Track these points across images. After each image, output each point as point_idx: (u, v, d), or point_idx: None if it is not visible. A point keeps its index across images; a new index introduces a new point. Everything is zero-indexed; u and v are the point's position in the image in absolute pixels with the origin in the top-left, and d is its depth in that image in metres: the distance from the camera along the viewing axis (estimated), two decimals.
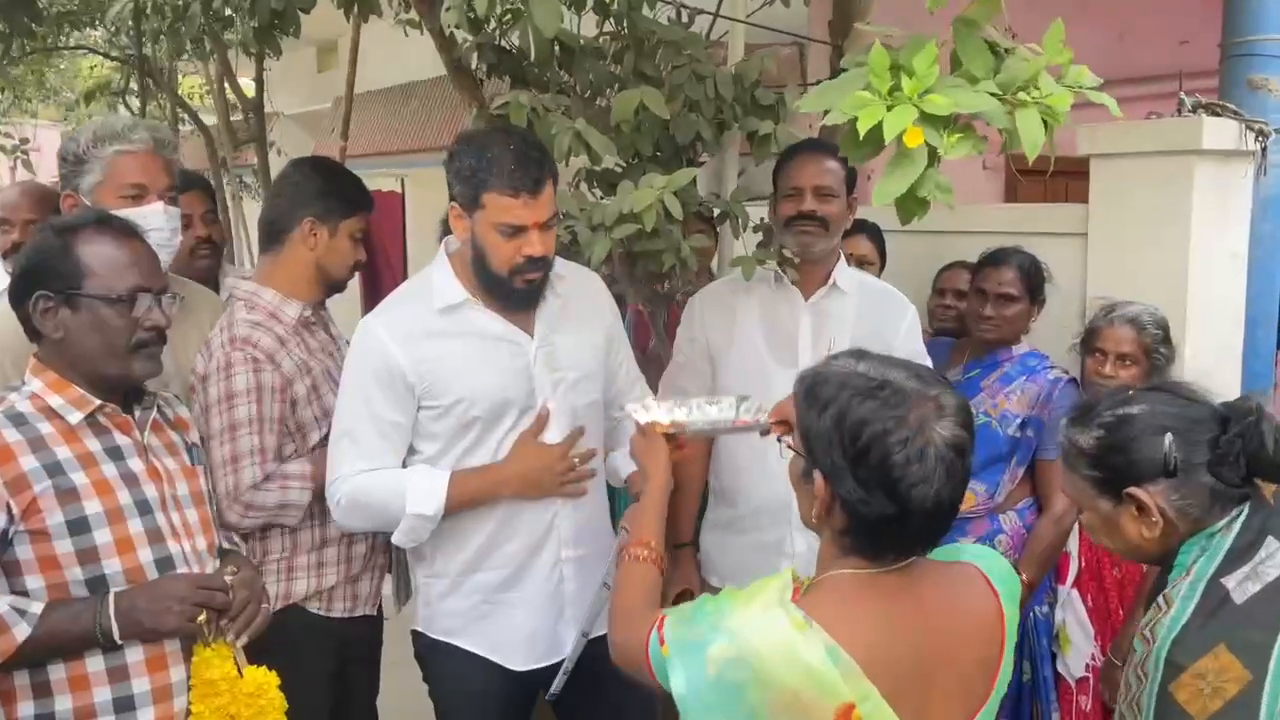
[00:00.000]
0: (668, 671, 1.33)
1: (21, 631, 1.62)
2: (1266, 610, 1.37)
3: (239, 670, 1.75)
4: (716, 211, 2.77)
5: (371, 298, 5.57)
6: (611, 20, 2.70)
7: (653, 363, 2.76)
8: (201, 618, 1.72)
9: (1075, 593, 2.60)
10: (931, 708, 1.30)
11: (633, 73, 2.61)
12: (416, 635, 2.22)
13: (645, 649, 1.38)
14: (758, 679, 1.23)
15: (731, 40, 3.00)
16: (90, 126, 2.21)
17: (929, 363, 2.64)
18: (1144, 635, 1.43)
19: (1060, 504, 2.60)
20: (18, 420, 1.69)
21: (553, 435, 2.10)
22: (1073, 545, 2.64)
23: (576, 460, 2.08)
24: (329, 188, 2.28)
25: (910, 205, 1.73)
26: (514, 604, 2.14)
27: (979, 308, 2.73)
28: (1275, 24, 2.95)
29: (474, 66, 2.79)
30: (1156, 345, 2.52)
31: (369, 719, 2.52)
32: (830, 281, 2.49)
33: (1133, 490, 1.46)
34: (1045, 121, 1.67)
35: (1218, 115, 2.73)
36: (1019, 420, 2.66)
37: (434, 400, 2.05)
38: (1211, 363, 2.81)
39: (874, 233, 3.32)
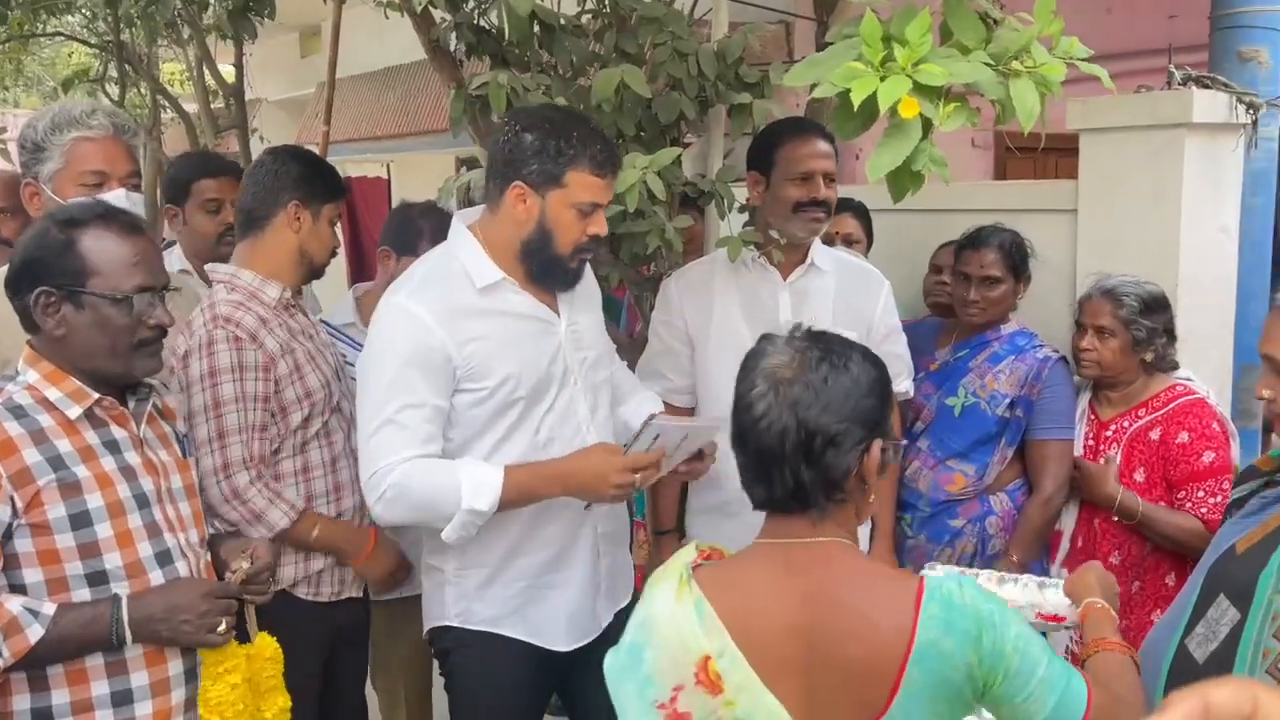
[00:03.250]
0: None
1: (35, 633, 1.59)
2: None
3: (250, 636, 1.82)
4: (702, 191, 2.73)
5: (358, 276, 5.53)
6: None
7: (641, 348, 2.72)
8: (221, 628, 1.73)
9: (1066, 572, 2.58)
10: (819, 692, 1.28)
11: (614, 51, 2.57)
12: (442, 632, 2.14)
13: None
14: (650, 638, 1.31)
15: (715, 17, 2.94)
16: (48, 112, 2.18)
17: (904, 338, 2.62)
18: None
19: (1050, 485, 2.58)
20: (18, 413, 1.66)
21: (582, 412, 2.11)
22: (1066, 524, 2.62)
23: (637, 478, 2.00)
24: (311, 173, 2.28)
25: (904, 180, 1.69)
26: (558, 585, 2.12)
27: (963, 291, 2.70)
28: None
29: (453, 47, 2.73)
30: (1135, 317, 2.47)
31: (359, 701, 2.51)
32: (809, 261, 2.47)
33: None
34: (1040, 93, 1.62)
35: (1207, 88, 2.69)
36: (1008, 400, 2.64)
37: (477, 382, 2.00)
38: (1204, 337, 2.79)
39: (860, 212, 3.30)
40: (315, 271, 2.34)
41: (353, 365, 2.48)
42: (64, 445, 1.67)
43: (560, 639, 2.14)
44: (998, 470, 2.67)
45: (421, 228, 2.54)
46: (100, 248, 1.69)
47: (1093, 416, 2.62)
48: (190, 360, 2.10)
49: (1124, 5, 4.88)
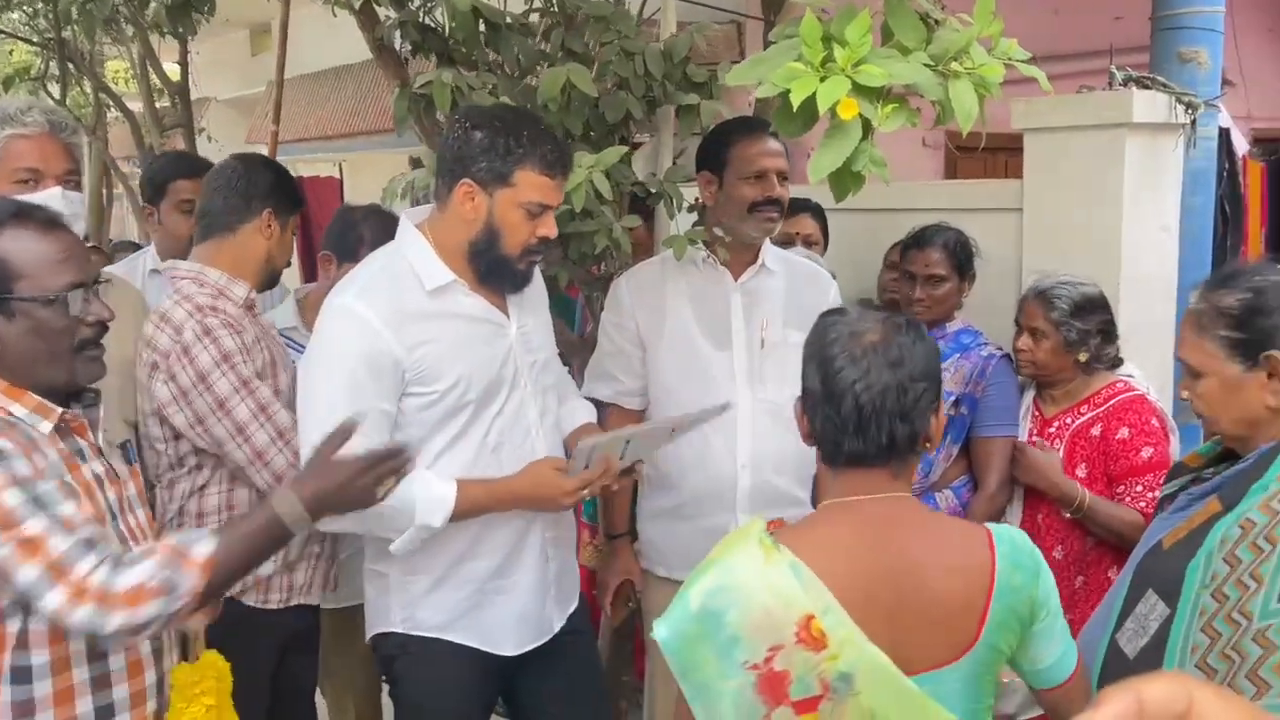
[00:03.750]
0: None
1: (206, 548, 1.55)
2: None
3: (195, 655, 1.78)
4: (652, 191, 2.72)
5: (311, 279, 5.46)
6: None
7: (593, 349, 2.71)
8: (389, 485, 1.69)
9: None
10: (902, 635, 1.35)
11: (561, 50, 2.55)
12: (385, 637, 2.11)
13: None
14: (735, 601, 1.33)
15: (664, 17, 2.94)
16: None
17: None
18: (1270, 508, 1.41)
19: (994, 482, 2.61)
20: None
21: (532, 415, 2.09)
22: (1012, 521, 2.64)
23: (585, 493, 2.02)
24: (282, 183, 2.32)
25: (845, 181, 1.70)
26: (507, 590, 2.10)
27: (908, 290, 2.72)
28: None
29: (398, 45, 2.70)
30: (1066, 319, 2.50)
31: (308, 708, 2.49)
32: (759, 262, 2.47)
33: (1274, 353, 1.48)
34: (978, 94, 1.64)
35: (1147, 88, 2.73)
36: (953, 398, 2.66)
37: (426, 386, 1.96)
38: (1145, 334, 2.83)
39: (818, 212, 3.32)
40: (274, 278, 2.37)
41: None
42: (51, 454, 1.60)
43: (508, 643, 2.12)
44: (943, 467, 2.68)
45: (363, 233, 2.52)
46: (21, 248, 1.59)
47: (1037, 413, 2.65)
48: (194, 353, 2.07)
49: (1070, 7, 4.95)
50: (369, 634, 2.16)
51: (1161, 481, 2.40)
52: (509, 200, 1.94)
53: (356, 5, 2.53)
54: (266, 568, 2.21)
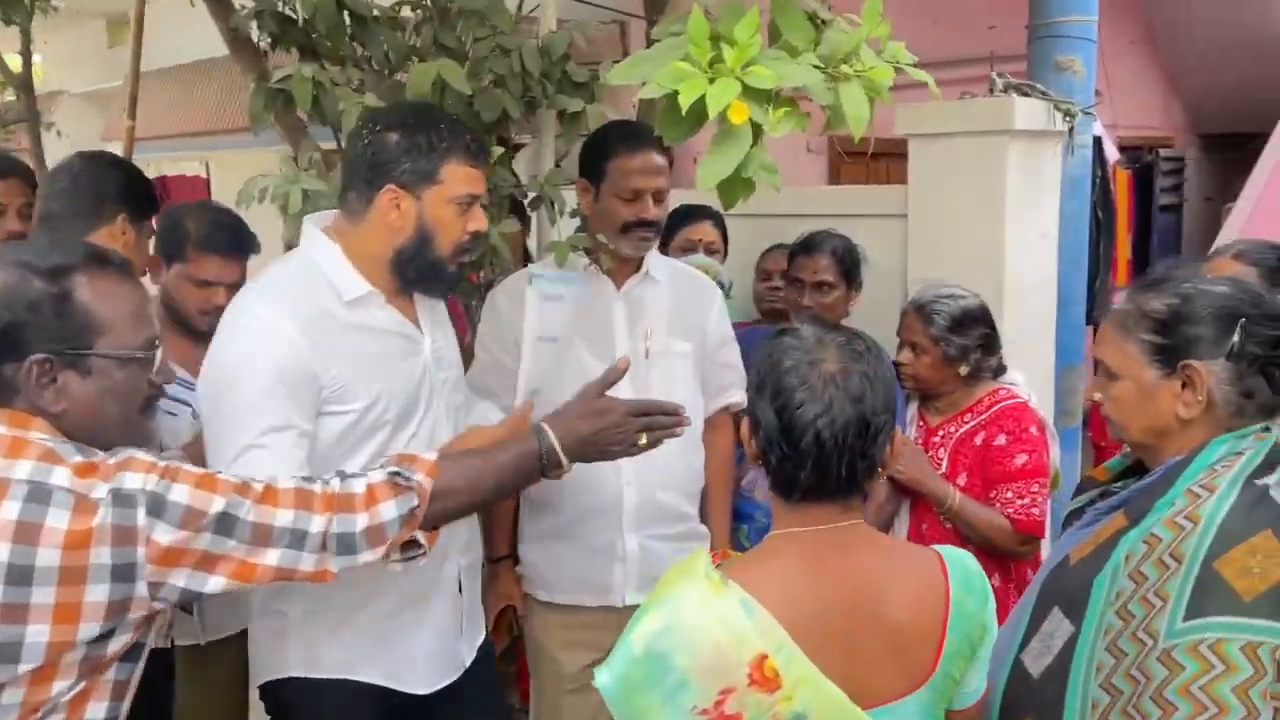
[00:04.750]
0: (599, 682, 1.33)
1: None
2: None
3: None
4: (531, 195, 2.60)
5: None
6: None
7: (470, 359, 2.57)
8: (643, 440, 1.76)
9: None
10: (858, 670, 1.31)
11: (432, 45, 2.41)
12: (281, 684, 1.92)
13: None
14: (683, 644, 1.27)
15: (543, 14, 2.82)
16: None
17: (737, 347, 2.56)
18: (1175, 524, 1.37)
19: (882, 491, 2.58)
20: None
21: (444, 437, 1.95)
22: (900, 531, 2.61)
23: None
24: (135, 184, 2.16)
25: (735, 187, 1.62)
26: (421, 623, 1.95)
27: (797, 297, 2.68)
28: (1079, 5, 3.01)
29: (256, 37, 2.51)
30: (944, 334, 2.48)
31: None
32: (644, 270, 2.37)
33: (1192, 363, 1.43)
34: (869, 98, 1.57)
35: (1027, 95, 2.75)
36: None
37: (344, 404, 1.80)
38: (1027, 339, 2.85)
39: (718, 219, 3.25)
40: None
41: None
42: None
43: (419, 681, 1.97)
44: None
45: (188, 230, 2.30)
46: (103, 298, 1.40)
47: (921, 423, 2.63)
48: None
49: (947, 15, 5.03)
50: (258, 680, 1.96)
51: (1032, 490, 2.44)
52: (438, 198, 1.82)
53: None
54: None
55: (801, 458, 1.33)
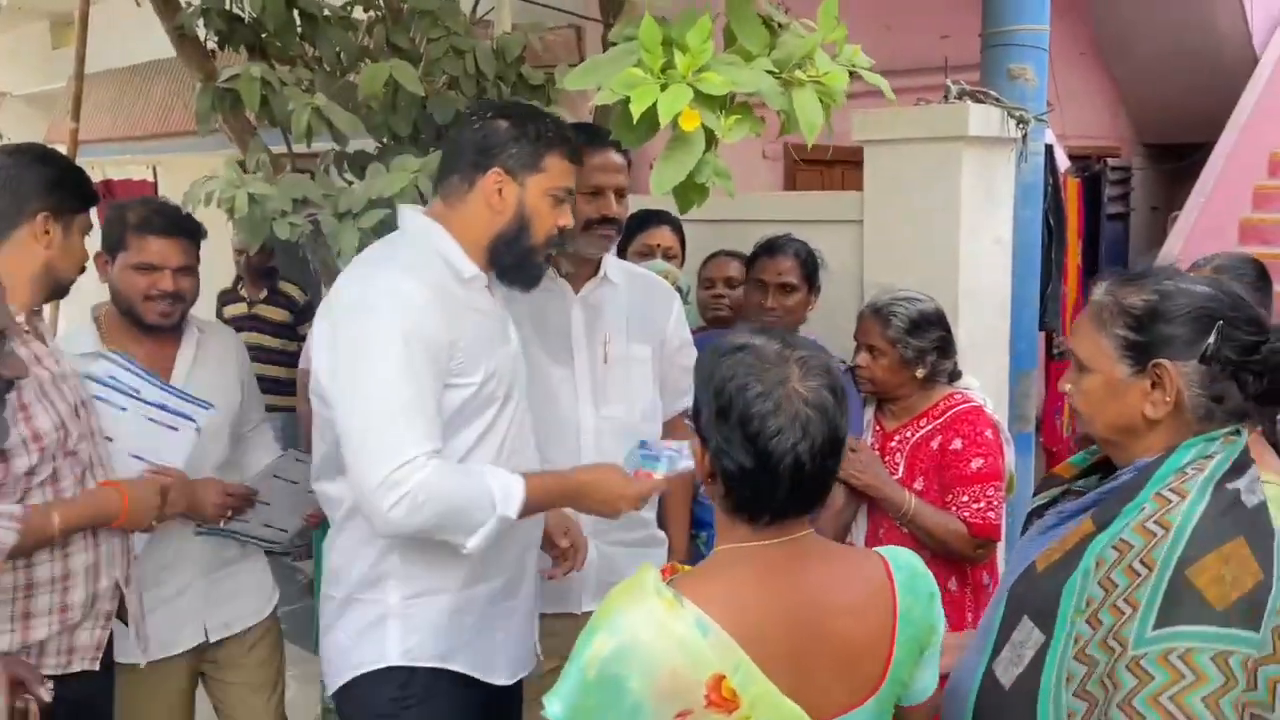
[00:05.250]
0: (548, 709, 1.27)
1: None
2: (1265, 520, 1.34)
3: None
4: None
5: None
6: None
7: None
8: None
9: None
10: (809, 684, 1.28)
11: (385, 46, 2.37)
12: (382, 675, 1.88)
13: None
14: (638, 667, 1.22)
15: (498, 15, 2.80)
16: None
17: (694, 351, 2.55)
18: (1145, 529, 1.34)
19: (840, 496, 2.57)
20: None
21: (529, 426, 2.04)
22: (857, 538, 2.61)
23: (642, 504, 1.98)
24: (61, 177, 2.02)
25: (689, 193, 1.61)
26: (508, 614, 1.98)
27: (760, 299, 2.66)
28: (1031, 14, 3.04)
29: (203, 36, 2.45)
30: (902, 337, 2.48)
31: None
32: (601, 274, 2.35)
33: (1163, 362, 1.39)
34: (824, 104, 1.56)
35: (981, 102, 2.77)
36: None
37: (466, 377, 1.85)
38: (981, 345, 2.87)
39: (675, 224, 3.23)
40: (60, 291, 2.07)
41: (103, 400, 2.17)
42: None
43: (502, 673, 1.99)
44: None
45: (127, 219, 2.24)
46: None
47: (878, 428, 2.63)
48: None
49: (901, 24, 5.06)
50: (345, 677, 1.91)
51: (988, 494, 2.43)
52: (539, 187, 1.88)
53: None
54: (39, 630, 1.92)
55: (777, 485, 1.27)
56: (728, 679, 1.22)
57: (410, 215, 1.93)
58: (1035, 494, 1.64)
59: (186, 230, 2.24)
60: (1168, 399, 1.39)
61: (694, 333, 3.01)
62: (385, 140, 2.38)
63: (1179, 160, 7.26)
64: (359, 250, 2.14)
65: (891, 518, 2.47)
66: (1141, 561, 1.31)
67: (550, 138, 1.88)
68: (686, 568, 1.41)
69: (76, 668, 2.00)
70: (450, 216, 1.90)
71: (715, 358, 1.33)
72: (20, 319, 1.93)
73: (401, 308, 1.77)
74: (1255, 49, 6.82)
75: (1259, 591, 1.27)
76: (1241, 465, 1.38)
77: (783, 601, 1.29)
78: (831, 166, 5.01)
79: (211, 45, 2.47)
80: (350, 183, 2.21)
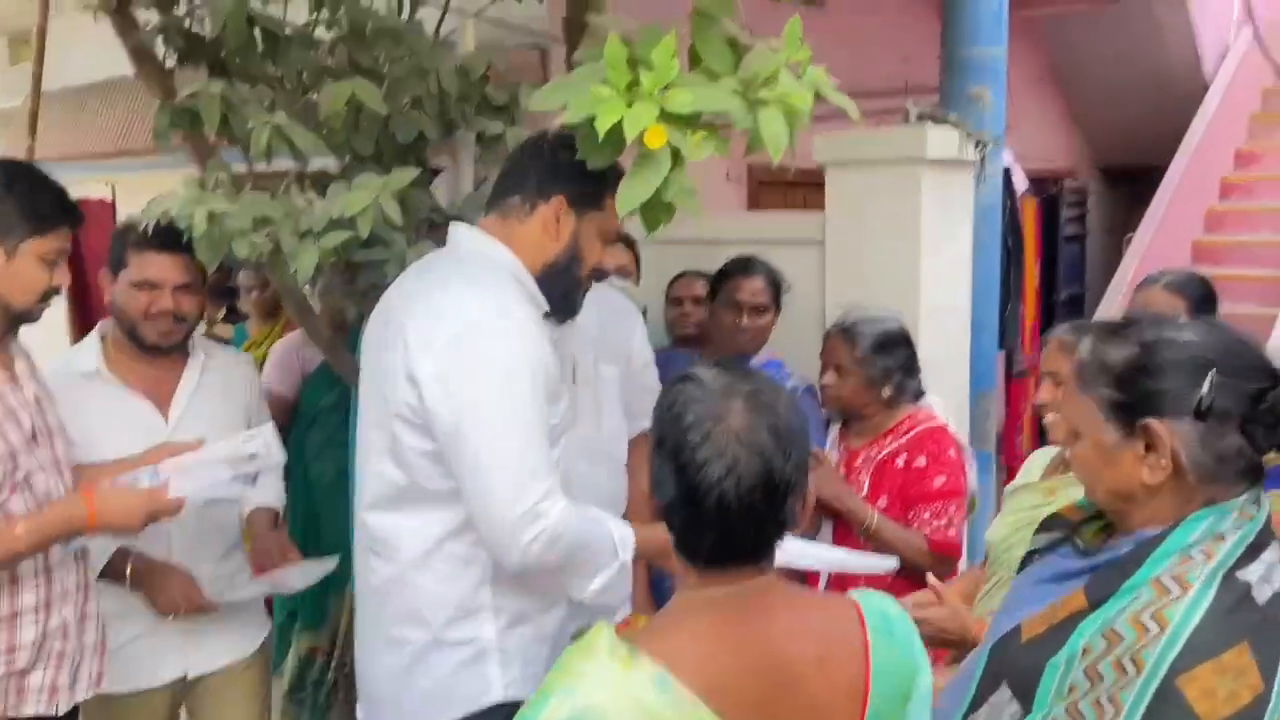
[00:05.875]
0: None
1: None
2: (1278, 615, 1.20)
3: None
4: (450, 218, 2.55)
5: (82, 319, 4.90)
6: (325, 8, 2.42)
7: None
8: None
9: None
10: None
11: (347, 65, 2.36)
12: (490, 713, 1.80)
13: None
14: None
15: (462, 37, 2.80)
16: None
17: (656, 370, 2.54)
18: (1139, 623, 1.21)
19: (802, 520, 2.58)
20: None
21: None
22: None
23: None
24: (7, 200, 1.87)
25: (655, 212, 1.61)
26: (559, 637, 1.90)
27: (734, 319, 2.68)
28: (989, 36, 3.09)
29: (161, 54, 2.42)
30: (869, 356, 2.51)
31: None
32: None
33: (1150, 423, 1.25)
34: (789, 123, 1.57)
35: (940, 124, 2.80)
36: None
37: (553, 405, 1.83)
38: (941, 365, 2.89)
39: (630, 243, 3.24)
40: (18, 319, 1.93)
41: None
42: None
43: None
44: None
45: (129, 236, 2.20)
46: None
47: (844, 446, 2.64)
48: None
49: (862, 47, 5.13)
50: (448, 717, 1.81)
51: (949, 510, 2.45)
52: (595, 225, 1.87)
53: (114, 4, 2.24)
54: None
55: (705, 522, 1.20)
56: None
57: (478, 237, 1.87)
58: (1037, 532, 1.51)
59: (188, 247, 2.13)
60: (1164, 463, 1.25)
61: (660, 351, 3.02)
62: (347, 160, 2.36)
63: (1133, 184, 7.40)
64: (317, 270, 2.10)
65: (855, 532, 2.49)
66: (1131, 659, 1.19)
67: (613, 180, 1.78)
68: (644, 619, 1.35)
69: (27, 710, 1.91)
70: (510, 238, 1.85)
71: (667, 386, 1.28)
72: None
73: (519, 332, 1.74)
74: (1205, 76, 6.98)
75: (1257, 707, 1.15)
76: (1258, 546, 1.23)
77: (746, 653, 1.20)
78: (794, 188, 5.05)
79: (171, 64, 2.45)
80: (311, 202, 2.19)
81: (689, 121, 1.46)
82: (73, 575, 1.97)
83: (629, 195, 1.54)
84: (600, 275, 1.95)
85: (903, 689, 1.26)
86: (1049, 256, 6.01)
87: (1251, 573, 1.21)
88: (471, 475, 1.71)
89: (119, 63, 2.68)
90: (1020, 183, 4.07)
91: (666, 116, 1.49)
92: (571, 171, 1.80)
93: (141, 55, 2.38)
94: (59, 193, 1.97)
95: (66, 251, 1.94)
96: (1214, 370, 1.24)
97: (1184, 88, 6.89)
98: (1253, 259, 6.01)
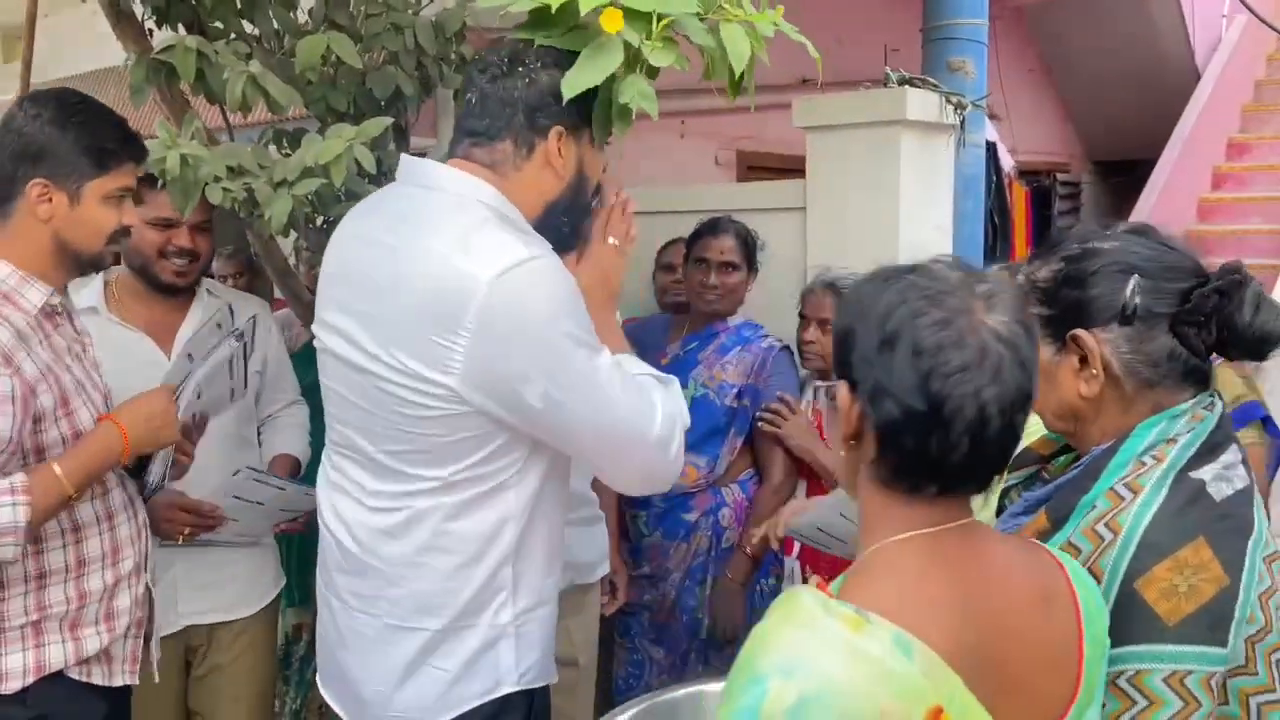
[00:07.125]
0: None
1: None
2: (1241, 513, 1.17)
3: None
4: None
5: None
6: None
7: None
8: None
9: (799, 564, 2.58)
10: (1018, 694, 1.02)
11: (324, 22, 2.36)
12: (503, 704, 1.60)
13: None
14: (838, 713, 0.91)
15: None
16: None
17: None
18: (1094, 533, 1.17)
19: (779, 474, 2.59)
20: None
21: None
22: None
23: None
24: (66, 137, 1.73)
25: (611, 116, 1.54)
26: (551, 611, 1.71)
27: (702, 277, 2.68)
28: (970, 8, 3.10)
29: (141, 14, 2.43)
30: None
31: None
32: None
33: (1078, 333, 1.23)
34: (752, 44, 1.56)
35: (919, 88, 2.81)
36: (735, 390, 2.63)
37: None
38: None
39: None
40: (86, 265, 1.80)
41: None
42: None
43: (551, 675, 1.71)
44: (728, 461, 2.64)
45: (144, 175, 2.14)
46: None
47: (818, 408, 2.64)
48: None
49: (851, 37, 5.15)
50: (445, 716, 1.59)
51: None
52: (591, 148, 1.63)
53: None
54: (92, 641, 1.78)
55: (951, 439, 1.00)
56: (946, 712, 0.94)
57: (462, 177, 1.55)
58: (1010, 469, 1.45)
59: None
60: (1094, 371, 1.24)
61: (649, 318, 3.03)
62: (324, 116, 2.36)
63: (1124, 175, 7.41)
64: (292, 221, 2.06)
65: (827, 488, 2.48)
66: (1090, 570, 1.15)
67: (596, 94, 1.58)
68: (840, 578, 1.10)
69: (119, 681, 1.85)
70: (508, 189, 1.56)
71: (876, 283, 1.06)
72: (54, 300, 1.75)
73: (565, 277, 1.51)
74: (1197, 67, 7.00)
75: (1222, 600, 1.12)
76: (1213, 446, 1.21)
77: (974, 602, 1.02)
78: (782, 174, 5.06)
79: (150, 25, 2.45)
80: (287, 155, 2.19)
81: (648, 20, 1.43)
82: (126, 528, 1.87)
83: (576, 79, 1.44)
84: (597, 190, 1.70)
85: (1102, 637, 1.11)
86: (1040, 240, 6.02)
87: (1206, 472, 1.19)
88: (594, 436, 1.52)
89: (106, 54, 2.67)
90: (1006, 161, 4.07)
91: (624, 9, 1.42)
92: (561, 92, 1.52)
93: (120, 15, 2.38)
94: (120, 124, 1.83)
95: (132, 189, 1.81)
96: (1136, 275, 1.22)
97: (1176, 79, 6.91)
98: (1245, 248, 6.02)
